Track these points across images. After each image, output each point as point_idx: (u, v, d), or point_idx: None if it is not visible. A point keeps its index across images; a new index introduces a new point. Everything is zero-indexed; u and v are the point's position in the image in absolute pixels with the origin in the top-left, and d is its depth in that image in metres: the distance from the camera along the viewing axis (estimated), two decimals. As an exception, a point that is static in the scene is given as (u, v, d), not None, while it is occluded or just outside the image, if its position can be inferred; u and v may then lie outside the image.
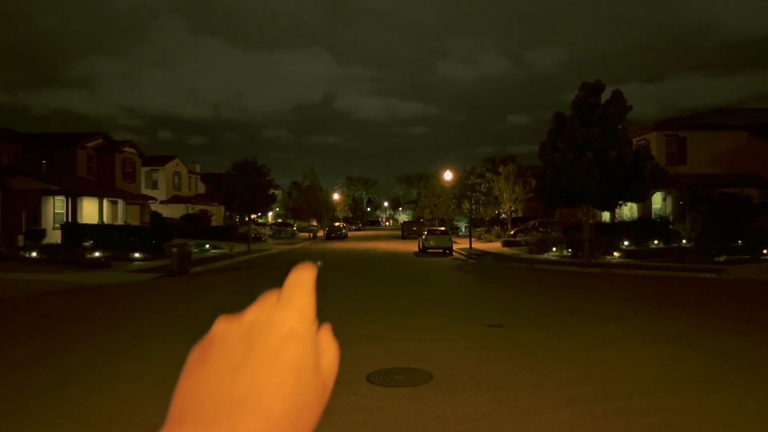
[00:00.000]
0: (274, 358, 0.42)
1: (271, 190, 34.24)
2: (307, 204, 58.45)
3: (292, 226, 55.48)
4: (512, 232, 38.51)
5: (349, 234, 63.50)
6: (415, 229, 54.13)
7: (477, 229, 46.18)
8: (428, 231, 33.88)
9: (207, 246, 30.60)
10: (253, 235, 37.47)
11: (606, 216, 32.02)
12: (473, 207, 41.44)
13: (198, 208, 48.77)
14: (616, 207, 24.46)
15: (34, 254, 21.47)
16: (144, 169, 43.64)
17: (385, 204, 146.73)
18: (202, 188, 57.99)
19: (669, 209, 28.99)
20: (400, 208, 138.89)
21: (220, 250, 30.07)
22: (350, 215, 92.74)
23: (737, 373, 6.55)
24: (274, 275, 19.48)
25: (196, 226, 40.35)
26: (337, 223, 65.75)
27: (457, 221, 59.59)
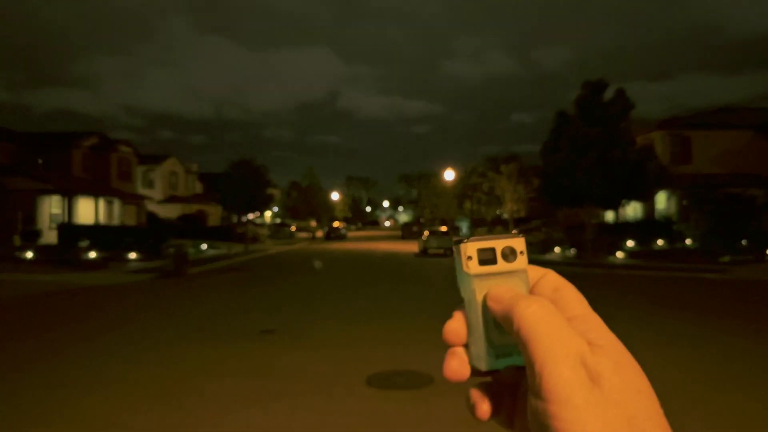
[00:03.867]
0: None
1: (269, 190, 33.97)
2: (306, 204, 58.16)
3: (291, 226, 55.19)
4: (514, 233, 38.22)
5: (349, 234, 63.21)
6: (415, 229, 53.87)
7: (479, 230, 45.92)
8: (429, 232, 33.70)
9: (204, 247, 30.26)
10: (251, 236, 37.14)
11: (609, 216, 31.79)
12: (475, 207, 41.14)
13: (195, 208, 48.41)
14: (619, 206, 24.20)
15: (29, 255, 21.19)
16: (140, 168, 43.26)
17: (386, 204, 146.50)
18: (199, 188, 57.54)
19: (673, 209, 28.73)
20: (400, 207, 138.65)
21: (218, 251, 29.76)
22: (350, 215, 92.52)
23: (742, 374, 6.48)
24: (272, 277, 19.04)
25: (192, 227, 39.99)
26: (336, 224, 65.50)
27: (459, 221, 59.31)
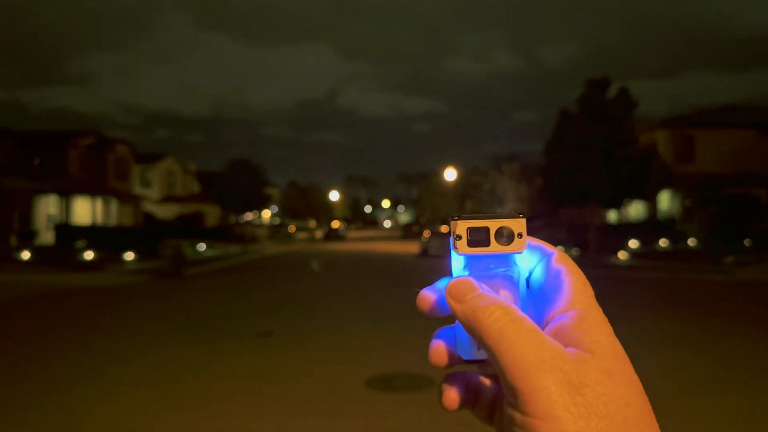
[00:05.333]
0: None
1: (267, 189, 33.71)
2: (305, 204, 57.89)
3: (290, 226, 54.88)
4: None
5: (349, 235, 62.93)
6: (415, 230, 53.70)
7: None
8: (430, 232, 33.46)
9: (202, 247, 29.98)
10: (249, 236, 36.88)
11: (612, 217, 31.61)
12: (476, 207, 40.95)
13: (193, 208, 48.04)
14: (622, 206, 23.99)
15: (26, 255, 21.01)
16: (137, 168, 42.91)
17: (386, 204, 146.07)
18: (197, 187, 57.01)
19: (676, 209, 28.51)
20: (400, 207, 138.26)
21: (216, 252, 29.48)
22: (349, 215, 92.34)
23: (745, 377, 6.41)
24: (271, 278, 18.79)
25: (190, 227, 39.62)
26: (335, 224, 65.19)
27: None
